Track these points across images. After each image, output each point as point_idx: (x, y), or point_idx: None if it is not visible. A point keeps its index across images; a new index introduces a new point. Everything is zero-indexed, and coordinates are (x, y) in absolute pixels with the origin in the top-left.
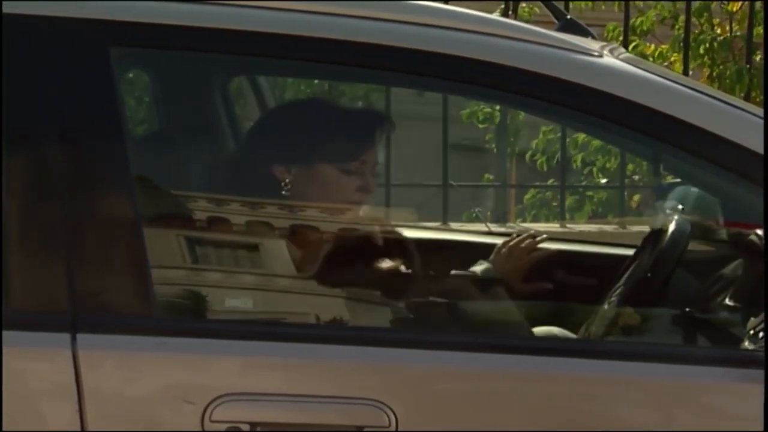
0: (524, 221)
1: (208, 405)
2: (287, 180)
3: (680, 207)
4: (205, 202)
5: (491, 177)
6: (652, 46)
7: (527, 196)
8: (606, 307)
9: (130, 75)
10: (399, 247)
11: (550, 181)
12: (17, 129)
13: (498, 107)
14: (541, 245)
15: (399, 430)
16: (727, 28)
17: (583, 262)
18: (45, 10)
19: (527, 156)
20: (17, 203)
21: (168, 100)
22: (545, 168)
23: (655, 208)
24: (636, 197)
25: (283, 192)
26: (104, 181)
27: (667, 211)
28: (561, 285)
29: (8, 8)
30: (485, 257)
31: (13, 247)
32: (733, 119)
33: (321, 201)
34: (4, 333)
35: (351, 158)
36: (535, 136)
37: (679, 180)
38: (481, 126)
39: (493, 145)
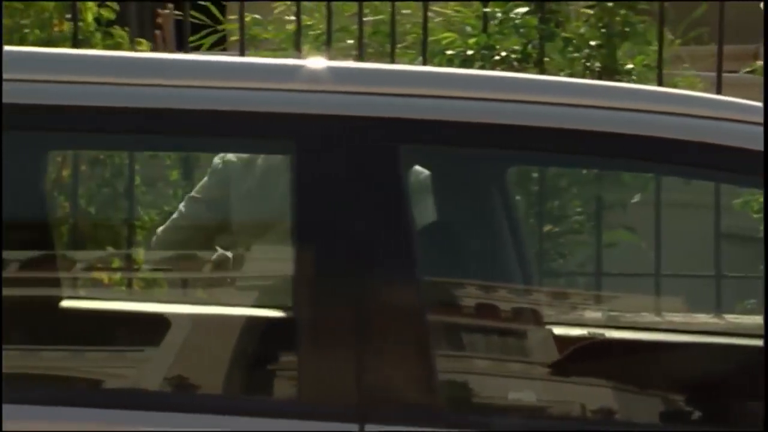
0: None
1: None
2: None
3: None
4: (483, 291)
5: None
6: None
7: None
8: None
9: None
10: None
11: None
12: (307, 223)
13: None
14: None
15: None
16: None
17: None
18: (335, 110)
19: None
20: (306, 300)
21: (447, 192)
22: None
23: None
24: None
25: None
26: (392, 275)
27: None
28: None
29: (298, 108)
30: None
31: (303, 341)
32: None
33: None
34: (297, 423)
35: None
36: None
37: None
38: (755, 216)
39: None
